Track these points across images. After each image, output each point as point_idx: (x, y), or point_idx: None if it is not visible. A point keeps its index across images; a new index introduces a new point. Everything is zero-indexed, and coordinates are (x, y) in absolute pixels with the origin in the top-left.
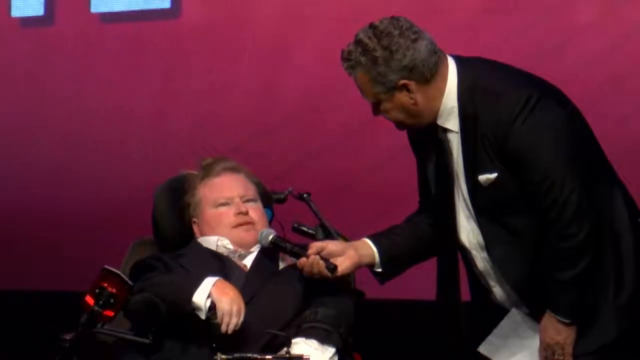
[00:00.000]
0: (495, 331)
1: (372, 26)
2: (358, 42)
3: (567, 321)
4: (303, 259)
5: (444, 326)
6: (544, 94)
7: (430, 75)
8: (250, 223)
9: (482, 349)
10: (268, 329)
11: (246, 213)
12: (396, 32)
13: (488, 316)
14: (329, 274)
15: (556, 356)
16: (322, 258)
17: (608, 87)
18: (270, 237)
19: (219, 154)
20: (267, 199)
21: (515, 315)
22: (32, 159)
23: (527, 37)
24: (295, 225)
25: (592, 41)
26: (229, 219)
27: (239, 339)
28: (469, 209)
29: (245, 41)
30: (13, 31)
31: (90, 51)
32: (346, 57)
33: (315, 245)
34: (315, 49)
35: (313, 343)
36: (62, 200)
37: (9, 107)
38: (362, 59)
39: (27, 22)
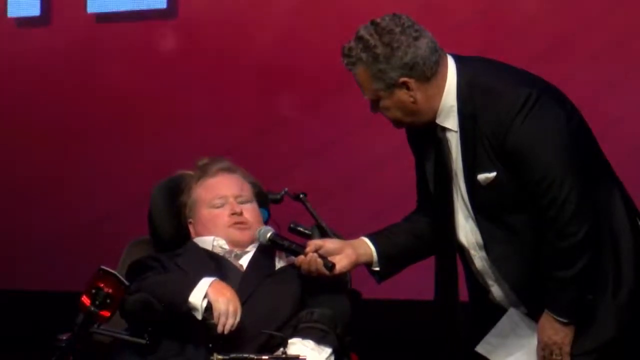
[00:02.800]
0: (493, 331)
1: (373, 23)
2: (359, 38)
3: (565, 321)
4: (301, 257)
5: (442, 326)
6: (544, 93)
7: (431, 73)
8: (244, 223)
9: (480, 348)
10: (264, 329)
11: (240, 213)
12: (398, 30)
13: (486, 315)
14: (326, 272)
15: (554, 356)
16: (320, 256)
17: (605, 87)
18: (269, 234)
19: (217, 153)
20: (264, 199)
21: (513, 315)
22: (30, 159)
23: (525, 37)
24: (292, 225)
25: (590, 41)
26: (223, 219)
27: (235, 339)
28: (467, 208)
29: (243, 41)
30: (9, 31)
31: (87, 51)
32: (347, 54)
33: (313, 243)
34: (315, 49)
35: (309, 343)
36: (60, 200)
37: (5, 107)
38: (363, 55)
39: (23, 22)
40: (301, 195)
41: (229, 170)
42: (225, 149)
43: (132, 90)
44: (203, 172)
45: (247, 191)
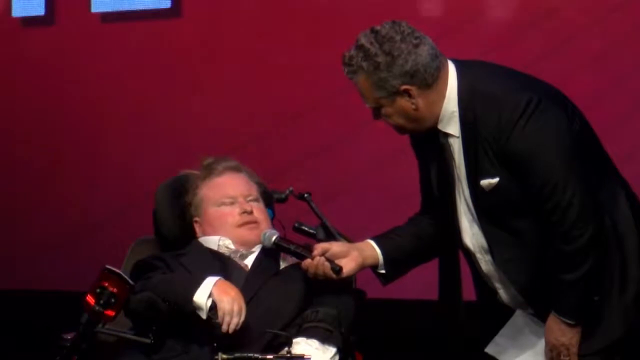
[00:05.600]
0: (501, 332)
1: (373, 31)
2: (359, 47)
3: (571, 322)
4: (308, 261)
5: (445, 325)
6: (544, 97)
7: (432, 80)
8: (255, 222)
9: (489, 349)
10: (269, 329)
11: (251, 212)
12: (398, 37)
13: (496, 316)
14: (333, 276)
15: (562, 357)
16: (327, 259)
17: (608, 87)
18: (274, 238)
19: (220, 153)
20: (268, 199)
21: (520, 317)
22: (32, 159)
23: (528, 37)
24: (297, 224)
25: (591, 42)
26: (234, 218)
27: (240, 338)
28: (471, 213)
29: (245, 41)
30: (14, 31)
31: (91, 51)
32: (347, 62)
33: (320, 247)
34: (315, 49)
35: (314, 343)
36: (62, 200)
37: (9, 107)
38: (364, 64)
39: (28, 22)
40: (306, 195)
41: (235, 169)
42: (229, 148)
43: (135, 89)
44: (209, 172)
45: (254, 190)
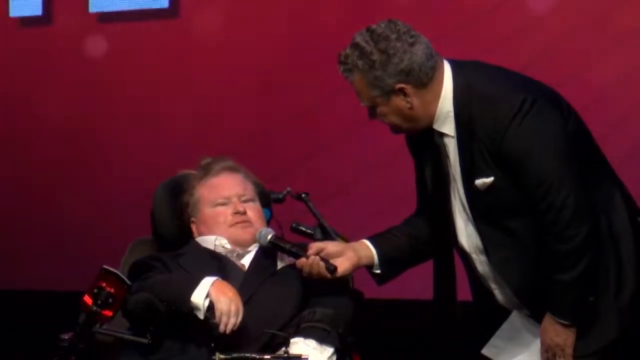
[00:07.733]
0: (498, 333)
1: (369, 30)
2: (355, 45)
3: (566, 322)
4: (303, 260)
5: (440, 325)
6: (539, 97)
7: (427, 79)
8: (247, 222)
9: (486, 351)
10: (266, 329)
11: (244, 212)
12: (393, 36)
13: (493, 317)
14: (328, 275)
15: (557, 358)
16: (321, 259)
17: (607, 88)
18: (269, 236)
19: (218, 153)
20: (266, 199)
21: (516, 318)
22: (32, 159)
23: (527, 38)
24: (294, 225)
25: (590, 42)
26: (226, 218)
27: (237, 338)
28: (466, 213)
29: (244, 41)
30: (11, 31)
31: (89, 51)
32: (343, 61)
33: (315, 246)
34: (315, 49)
35: (311, 343)
36: (61, 200)
37: (8, 107)
38: (359, 62)
39: (26, 21)
40: (303, 195)
41: (232, 169)
42: (226, 148)
43: (134, 89)
44: (206, 171)
45: (249, 190)
